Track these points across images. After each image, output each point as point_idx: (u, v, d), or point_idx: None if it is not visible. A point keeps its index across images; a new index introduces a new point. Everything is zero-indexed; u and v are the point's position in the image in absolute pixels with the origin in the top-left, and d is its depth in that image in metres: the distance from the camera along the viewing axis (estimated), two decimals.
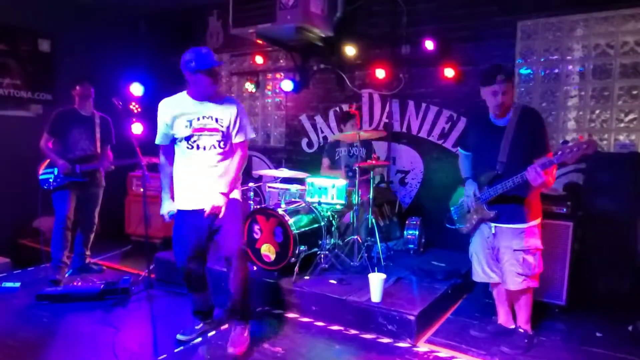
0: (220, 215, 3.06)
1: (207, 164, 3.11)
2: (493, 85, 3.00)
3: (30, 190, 4.55)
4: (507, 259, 3.11)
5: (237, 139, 3.17)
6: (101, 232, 5.32)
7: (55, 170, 4.46)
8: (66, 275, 4.62)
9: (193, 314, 3.47)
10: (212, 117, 3.08)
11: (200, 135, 3.08)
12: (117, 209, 6.03)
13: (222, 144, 3.12)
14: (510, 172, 2.97)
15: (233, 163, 3.17)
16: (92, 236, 4.88)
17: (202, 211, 3.06)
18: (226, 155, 3.16)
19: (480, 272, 3.34)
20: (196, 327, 3.41)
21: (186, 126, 3.07)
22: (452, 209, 3.50)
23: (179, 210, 3.20)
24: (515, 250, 3.08)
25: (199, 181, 3.12)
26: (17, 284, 4.35)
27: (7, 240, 5.60)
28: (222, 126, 3.09)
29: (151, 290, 4.20)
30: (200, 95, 3.10)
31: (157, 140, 3.22)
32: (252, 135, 3.27)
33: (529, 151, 2.99)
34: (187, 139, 3.08)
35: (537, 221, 3.14)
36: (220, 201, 3.04)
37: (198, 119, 3.07)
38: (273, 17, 4.91)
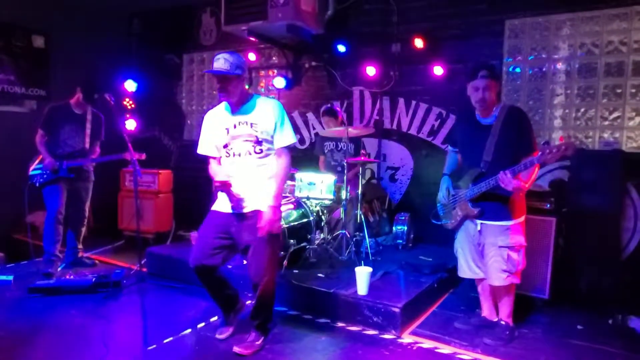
0: (272, 227, 2.95)
1: (244, 171, 3.03)
2: (475, 80, 3.08)
3: (24, 185, 4.59)
4: (492, 255, 3.17)
5: (277, 144, 3.04)
6: (94, 227, 5.38)
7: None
8: (59, 268, 4.68)
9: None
10: (247, 123, 3.01)
11: (236, 141, 3.03)
12: (110, 204, 6.08)
13: (257, 148, 3.00)
14: (495, 171, 3.01)
15: (277, 172, 3.03)
16: (83, 230, 4.93)
17: (238, 214, 3.04)
18: (263, 161, 3.04)
19: (466, 267, 3.41)
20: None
21: (223, 134, 3.05)
22: (438, 205, 3.56)
23: (212, 211, 3.17)
24: (500, 246, 3.13)
25: (238, 189, 3.03)
26: (10, 277, 4.38)
27: (1, 235, 5.64)
28: (256, 131, 2.99)
29: (142, 284, 4.26)
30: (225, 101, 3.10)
31: (199, 150, 3.19)
32: (293, 140, 3.08)
33: (514, 150, 3.04)
34: (225, 146, 3.06)
35: (522, 218, 3.19)
36: (271, 215, 2.93)
37: (235, 126, 3.02)
38: (264, 15, 4.97)
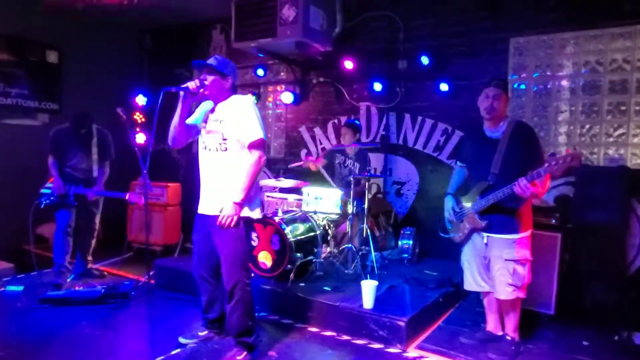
0: (229, 223, 2.96)
1: (212, 167, 3.13)
2: (488, 87, 3.16)
3: (35, 197, 4.67)
4: (498, 268, 3.19)
5: (245, 140, 3.02)
6: (103, 239, 5.43)
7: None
8: (68, 280, 4.73)
9: (202, 318, 3.47)
10: (217, 120, 3.10)
11: (208, 136, 3.14)
12: (119, 217, 6.16)
13: (223, 146, 3.05)
14: (502, 184, 3.05)
15: (244, 168, 2.99)
16: (93, 242, 4.99)
17: (209, 217, 3.09)
18: (230, 159, 3.05)
19: (472, 281, 3.42)
20: (200, 333, 3.42)
21: (203, 126, 3.20)
22: (446, 219, 3.60)
23: (197, 214, 3.26)
24: (506, 260, 3.15)
25: (207, 184, 3.17)
26: (21, 288, 4.45)
27: (11, 246, 5.72)
28: (223, 127, 3.06)
29: (150, 295, 4.31)
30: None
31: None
32: (259, 135, 3.00)
33: (521, 164, 3.06)
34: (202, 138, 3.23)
35: (529, 232, 3.21)
36: (231, 210, 2.96)
37: (211, 121, 3.15)
38: (274, 32, 5.07)
